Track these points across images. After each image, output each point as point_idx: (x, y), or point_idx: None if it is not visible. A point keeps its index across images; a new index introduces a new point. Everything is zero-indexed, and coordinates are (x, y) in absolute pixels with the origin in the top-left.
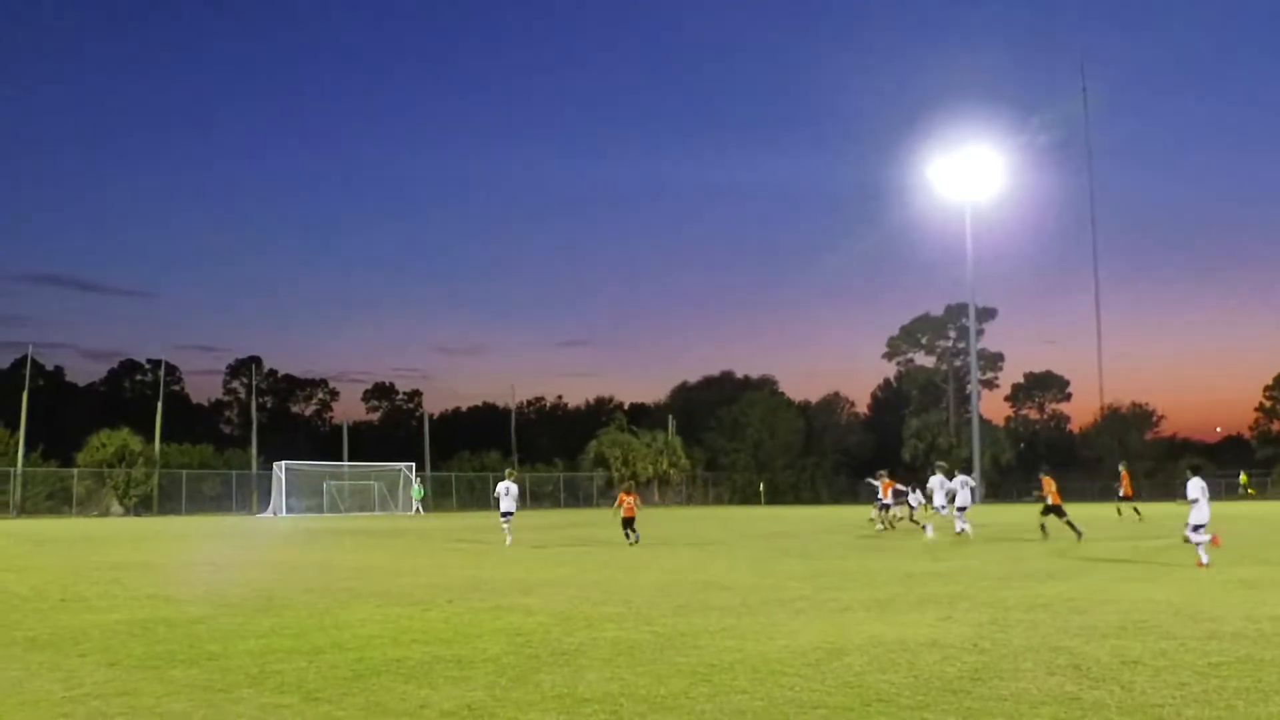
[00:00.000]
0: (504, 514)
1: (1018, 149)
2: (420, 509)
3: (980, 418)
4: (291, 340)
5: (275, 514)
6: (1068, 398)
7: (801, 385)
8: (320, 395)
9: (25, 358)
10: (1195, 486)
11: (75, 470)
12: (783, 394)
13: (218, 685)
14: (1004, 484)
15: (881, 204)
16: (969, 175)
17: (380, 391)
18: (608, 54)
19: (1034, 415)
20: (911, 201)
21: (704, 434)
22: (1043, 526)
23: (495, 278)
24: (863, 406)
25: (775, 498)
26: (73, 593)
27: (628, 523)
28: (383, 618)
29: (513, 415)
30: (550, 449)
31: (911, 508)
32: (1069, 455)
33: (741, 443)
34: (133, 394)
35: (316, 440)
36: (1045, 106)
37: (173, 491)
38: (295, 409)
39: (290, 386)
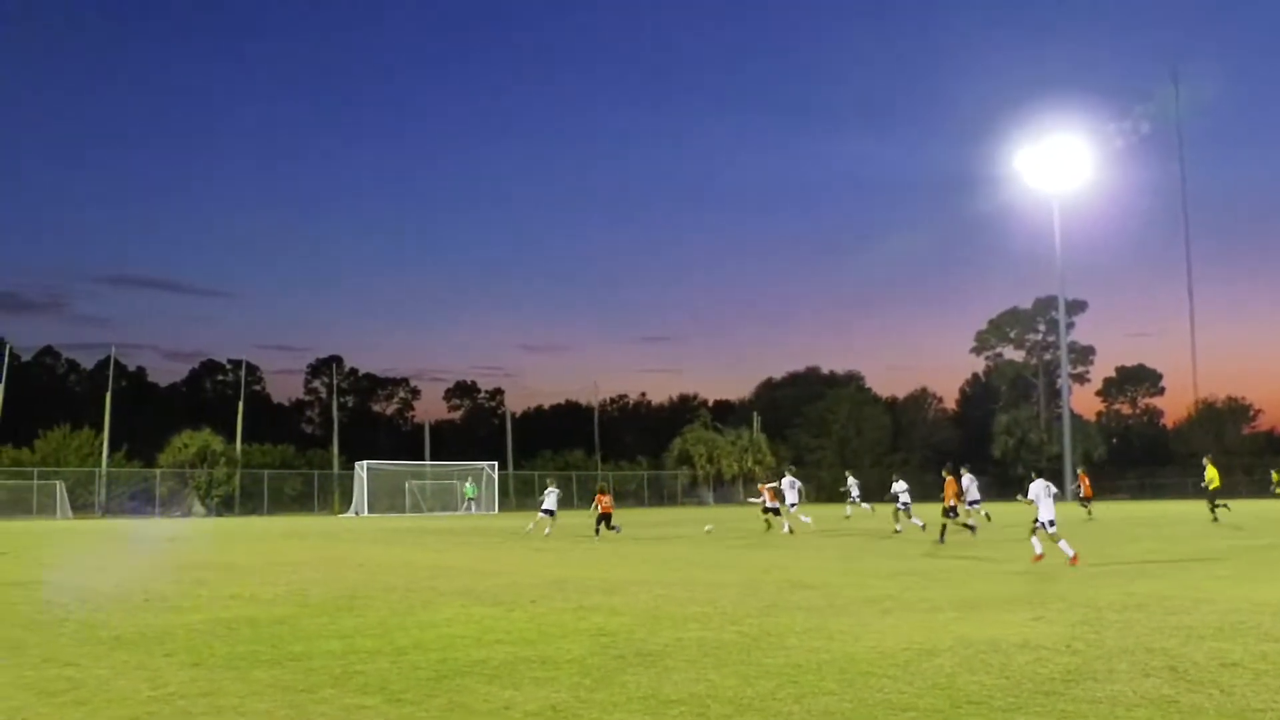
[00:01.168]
0: (545, 511)
1: (1107, 138)
2: (472, 507)
3: (1071, 413)
4: (372, 339)
5: (357, 513)
6: (1161, 392)
7: (888, 381)
8: (401, 394)
9: (108, 359)
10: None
11: (158, 471)
12: (869, 390)
13: (301, 686)
14: (1096, 481)
15: (969, 195)
16: (1058, 165)
17: (462, 390)
18: (690, 42)
19: (1126, 410)
20: (999, 192)
21: (789, 431)
22: (943, 528)
23: (578, 274)
24: (951, 402)
25: (862, 495)
26: (157, 592)
27: (605, 519)
28: (466, 618)
29: (595, 413)
30: (634, 447)
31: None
32: (1162, 451)
33: (827, 440)
34: (214, 394)
35: (398, 439)
36: (1136, 96)
37: (254, 491)
38: (376, 408)
39: (371, 385)
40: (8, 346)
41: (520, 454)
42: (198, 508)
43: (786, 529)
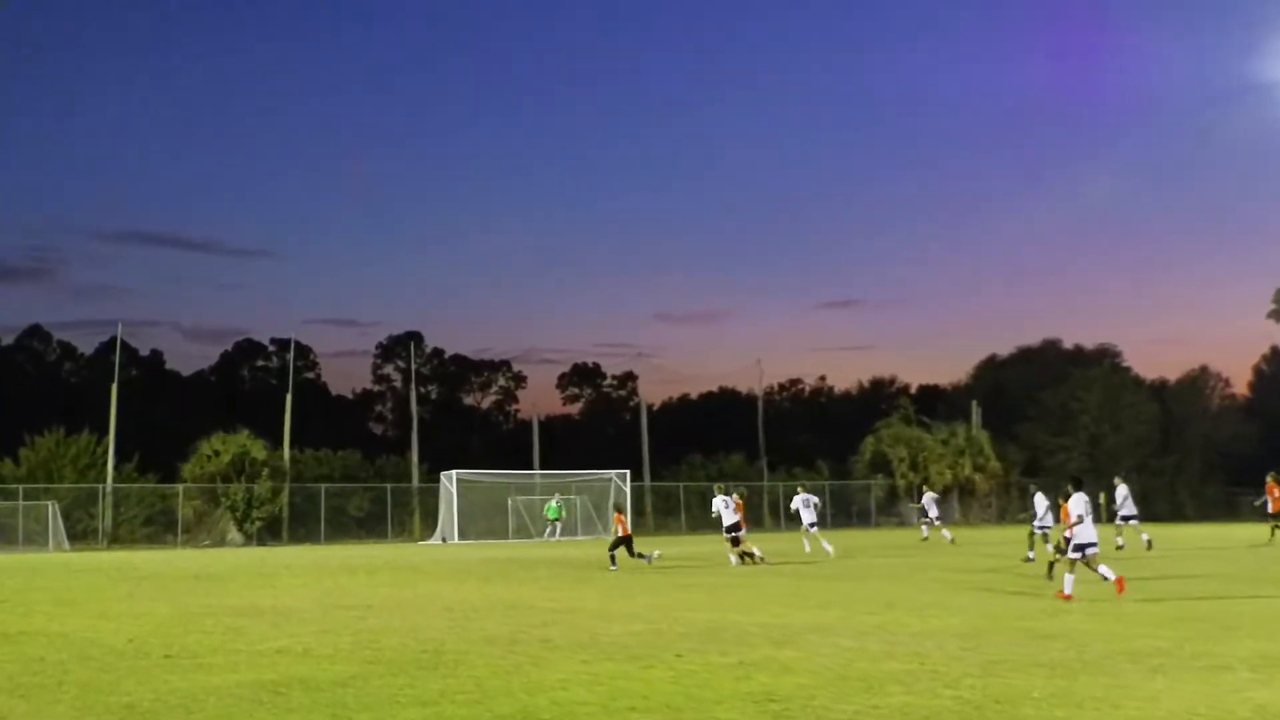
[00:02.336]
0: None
1: None
2: (556, 532)
3: None
4: (461, 310)
5: (445, 539)
6: None
7: (1155, 358)
8: (501, 382)
9: (114, 341)
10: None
11: (180, 487)
12: (1129, 370)
13: None
14: None
15: (1256, 115)
16: None
17: (581, 375)
18: None
19: None
20: None
21: (1020, 426)
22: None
23: (733, 221)
24: (1241, 385)
25: (943, 516)
26: (181, 646)
27: (626, 544)
28: (590, 677)
29: (759, 404)
30: (811, 448)
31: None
32: None
33: (1073, 438)
34: (253, 385)
35: (497, 441)
36: None
37: (308, 512)
38: (468, 400)
39: (461, 371)
40: None
41: (659, 459)
42: (233, 534)
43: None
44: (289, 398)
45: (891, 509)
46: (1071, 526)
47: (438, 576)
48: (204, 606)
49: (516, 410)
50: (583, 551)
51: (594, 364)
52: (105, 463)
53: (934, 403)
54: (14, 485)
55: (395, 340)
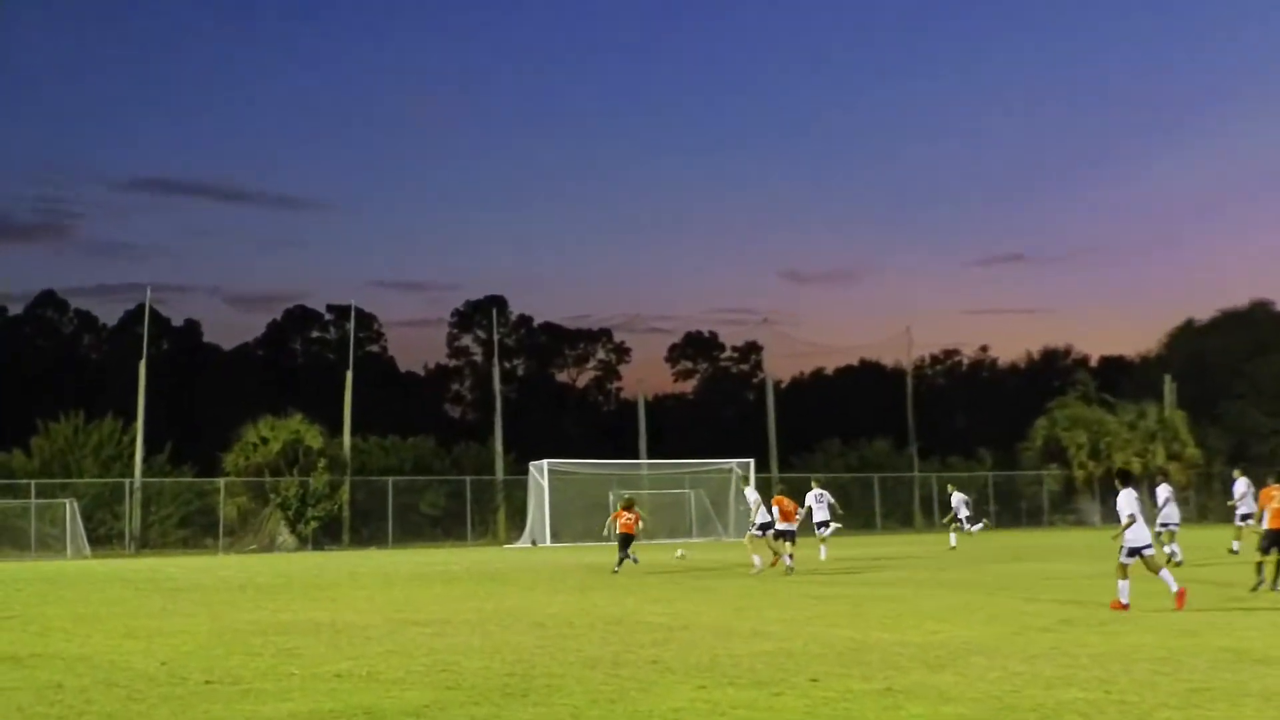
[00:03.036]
0: (767, 529)
1: None
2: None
3: None
4: (552, 271)
5: (534, 542)
6: None
7: None
8: (601, 354)
9: (141, 309)
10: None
11: (221, 481)
12: None
13: None
14: None
15: None
16: None
17: (695, 346)
18: None
19: None
20: None
21: (1225, 405)
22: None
23: (875, 165)
24: None
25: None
26: (223, 671)
27: (625, 541)
28: (708, 706)
29: (908, 379)
30: (971, 433)
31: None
32: None
33: None
34: (306, 359)
35: (596, 425)
36: None
37: (372, 510)
38: (561, 377)
39: (552, 342)
40: None
41: (789, 444)
42: (285, 537)
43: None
44: (349, 375)
45: (1067, 505)
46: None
47: (526, 586)
48: (250, 623)
49: (619, 388)
50: (700, 556)
51: (710, 333)
52: (132, 453)
53: (1118, 377)
54: (25, 481)
55: (474, 306)
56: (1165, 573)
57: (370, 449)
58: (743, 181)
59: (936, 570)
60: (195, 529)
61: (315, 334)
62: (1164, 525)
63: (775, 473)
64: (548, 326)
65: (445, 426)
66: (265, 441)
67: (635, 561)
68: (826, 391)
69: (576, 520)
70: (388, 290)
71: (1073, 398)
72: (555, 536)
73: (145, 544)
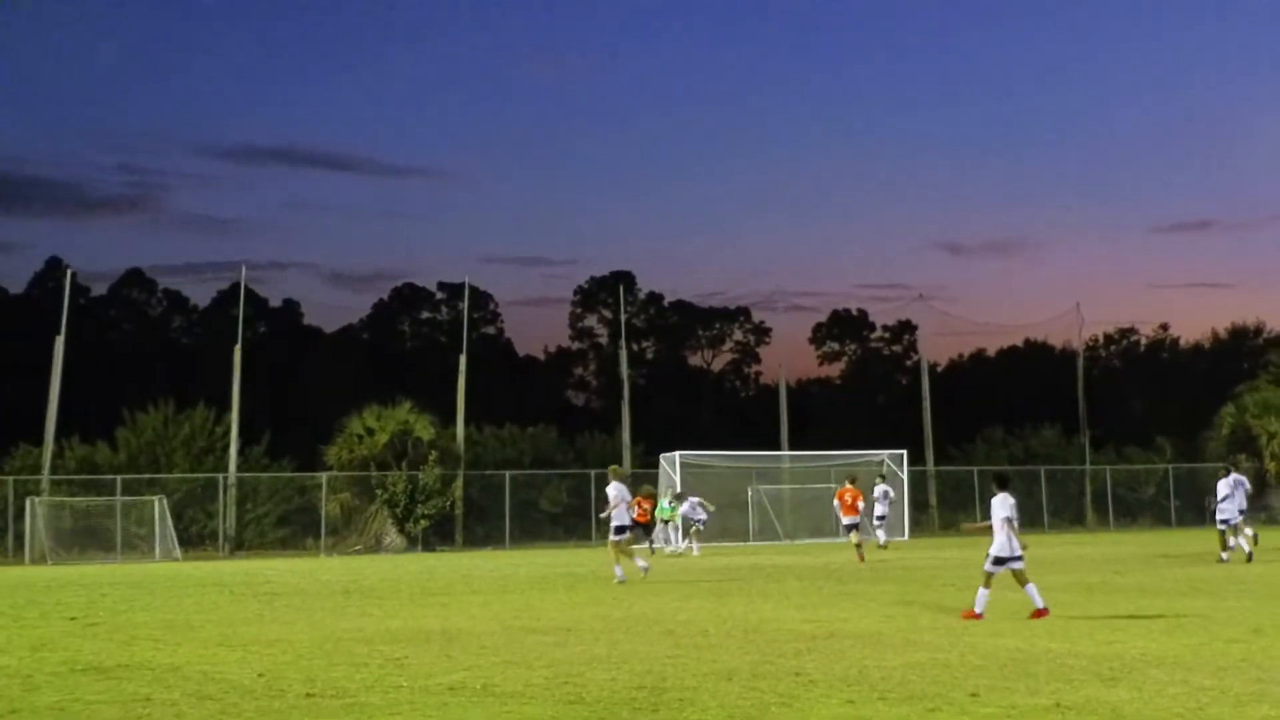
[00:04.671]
0: (624, 532)
1: None
2: (672, 537)
3: None
4: (684, 245)
5: (666, 543)
6: None
7: None
8: (738, 335)
9: (235, 288)
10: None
11: (324, 476)
12: None
13: None
14: None
15: None
16: None
17: (842, 326)
18: None
19: None
20: None
21: None
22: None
23: (1041, 125)
24: None
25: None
26: (326, 682)
27: (645, 530)
28: None
29: (1079, 361)
30: (1148, 420)
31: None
32: None
33: None
34: (416, 343)
35: (733, 413)
36: None
37: (489, 507)
38: (694, 361)
39: (685, 322)
40: (70, 276)
41: (947, 434)
42: (392, 537)
43: None
44: (463, 359)
45: (1260, 500)
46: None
47: (657, 590)
48: (355, 631)
49: (758, 373)
50: (845, 558)
51: (859, 311)
52: (226, 446)
53: None
54: (110, 476)
55: (600, 284)
56: (1031, 588)
57: (486, 440)
58: (894, 144)
59: (1111, 573)
60: (295, 528)
61: (425, 315)
62: (1224, 521)
63: (931, 465)
64: (679, 305)
65: (568, 415)
66: (371, 432)
67: (652, 552)
68: (988, 375)
69: (712, 517)
70: (504, 266)
71: (1264, 381)
72: (688, 535)
73: (240, 545)
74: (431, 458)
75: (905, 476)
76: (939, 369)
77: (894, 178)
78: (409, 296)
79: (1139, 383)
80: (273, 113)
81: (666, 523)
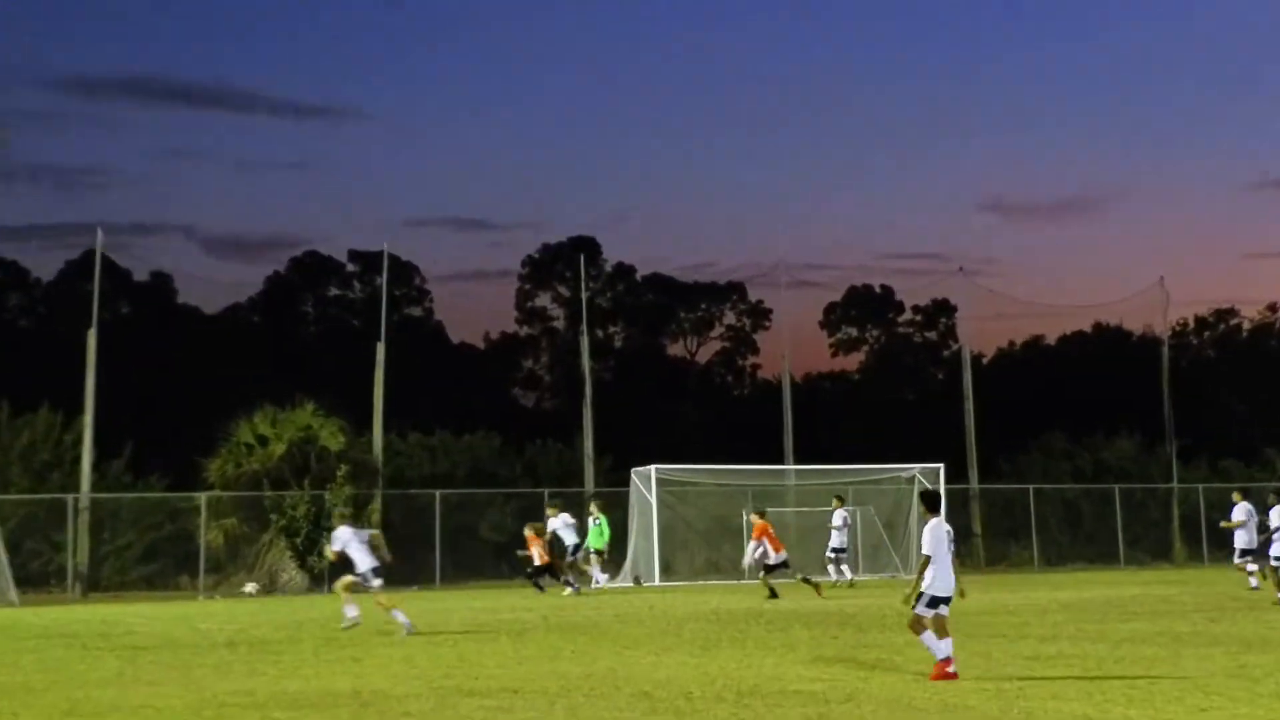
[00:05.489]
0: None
1: None
2: (596, 573)
3: None
4: (661, 204)
5: (638, 579)
6: None
7: None
8: (730, 318)
9: (89, 257)
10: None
11: (203, 496)
12: None
13: None
14: None
15: None
16: None
17: (861, 305)
18: None
19: None
20: None
21: None
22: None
23: (1109, 57)
24: None
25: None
26: None
27: (538, 572)
28: None
29: (1163, 351)
30: (1254, 425)
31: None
32: None
33: None
34: (321, 327)
35: (722, 415)
36: None
37: (413, 536)
38: (674, 350)
39: (663, 302)
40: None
41: (995, 443)
42: (291, 574)
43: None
44: (381, 348)
45: None
46: None
47: (627, 641)
48: (242, 694)
49: (755, 365)
50: (867, 598)
51: (882, 287)
52: (77, 458)
53: None
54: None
55: (555, 253)
56: (928, 636)
57: (410, 450)
58: (926, 80)
59: (1205, 620)
60: (165, 562)
61: (333, 291)
62: (1244, 553)
63: (975, 482)
64: (656, 280)
65: (514, 419)
66: (264, 442)
67: (540, 590)
68: (1047, 368)
69: (697, 548)
70: (433, 231)
71: None
72: (667, 570)
73: (96, 584)
74: (341, 473)
75: (943, 490)
76: (984, 360)
77: (927, 121)
78: (312, 268)
79: (1239, 378)
80: (134, 34)
81: (600, 553)
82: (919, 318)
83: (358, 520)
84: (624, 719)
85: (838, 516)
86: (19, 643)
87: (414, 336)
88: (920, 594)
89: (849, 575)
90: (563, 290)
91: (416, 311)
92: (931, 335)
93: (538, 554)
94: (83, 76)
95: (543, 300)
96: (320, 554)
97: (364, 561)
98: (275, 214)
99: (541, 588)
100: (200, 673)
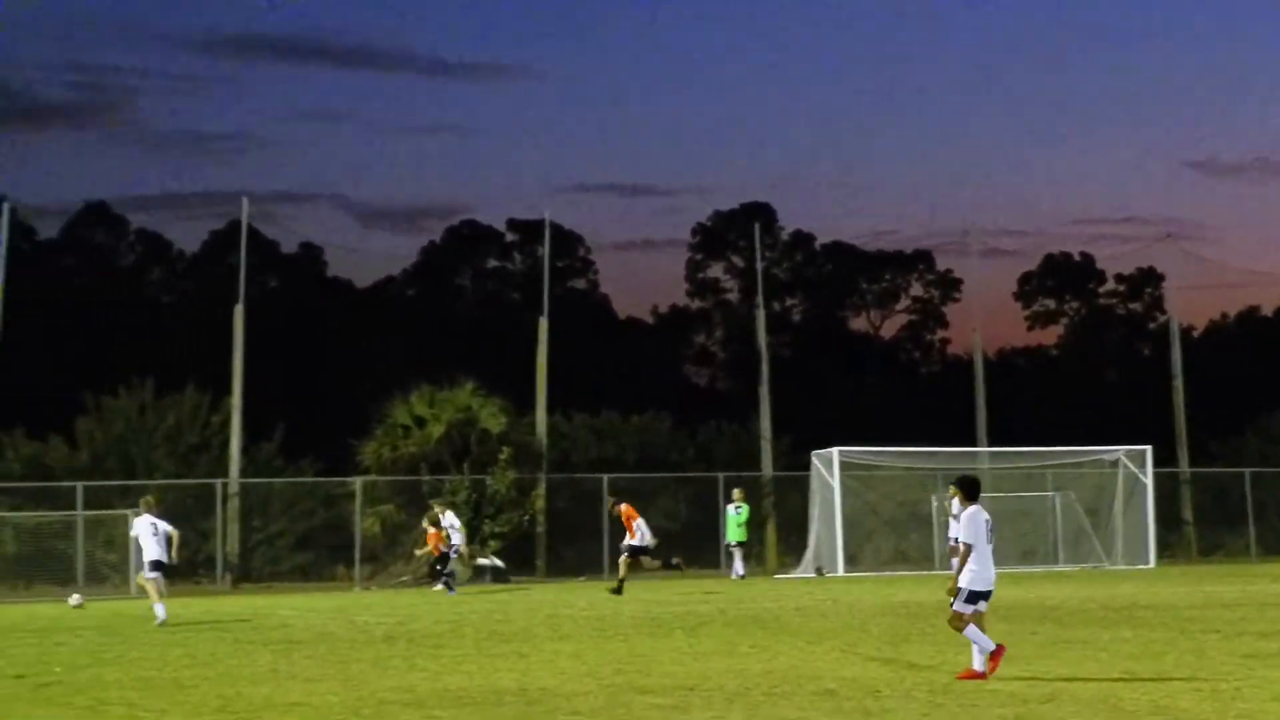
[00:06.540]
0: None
1: None
2: (737, 565)
3: None
4: (839, 168)
5: (821, 570)
6: None
7: None
8: (916, 289)
9: (235, 229)
10: None
11: (358, 481)
12: None
13: None
14: None
15: None
16: None
17: (1059, 275)
18: None
19: None
20: None
21: None
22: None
23: None
24: None
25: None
26: None
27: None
28: None
29: None
30: None
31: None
32: None
33: None
34: (480, 301)
35: (909, 395)
36: None
37: (579, 523)
38: (856, 324)
39: (844, 272)
40: (7, 211)
41: (1209, 425)
42: (452, 563)
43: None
44: (543, 323)
45: None
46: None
47: (810, 636)
48: (402, 691)
49: (944, 340)
50: (1068, 589)
51: (1082, 255)
52: (226, 441)
53: None
54: (69, 484)
55: (728, 221)
56: (972, 631)
57: (576, 433)
58: (1127, 26)
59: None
60: (319, 552)
61: (492, 263)
62: None
63: (1185, 466)
64: (836, 249)
65: (687, 399)
66: (421, 423)
67: (451, 592)
68: (1264, 342)
69: (882, 537)
70: (598, 198)
71: None
72: (852, 561)
73: (246, 574)
74: (503, 457)
75: (1150, 481)
76: (1195, 334)
77: (1128, 76)
78: (470, 239)
79: None
80: None
81: (741, 545)
82: (1122, 287)
83: (157, 511)
84: (807, 718)
85: (956, 504)
86: (167, 635)
87: (578, 310)
88: (958, 589)
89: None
90: (736, 260)
91: (580, 284)
92: (1136, 307)
93: (434, 547)
94: (218, 37)
95: (715, 271)
96: (482, 543)
97: (151, 551)
98: (430, 181)
99: (451, 586)
100: (357, 668)
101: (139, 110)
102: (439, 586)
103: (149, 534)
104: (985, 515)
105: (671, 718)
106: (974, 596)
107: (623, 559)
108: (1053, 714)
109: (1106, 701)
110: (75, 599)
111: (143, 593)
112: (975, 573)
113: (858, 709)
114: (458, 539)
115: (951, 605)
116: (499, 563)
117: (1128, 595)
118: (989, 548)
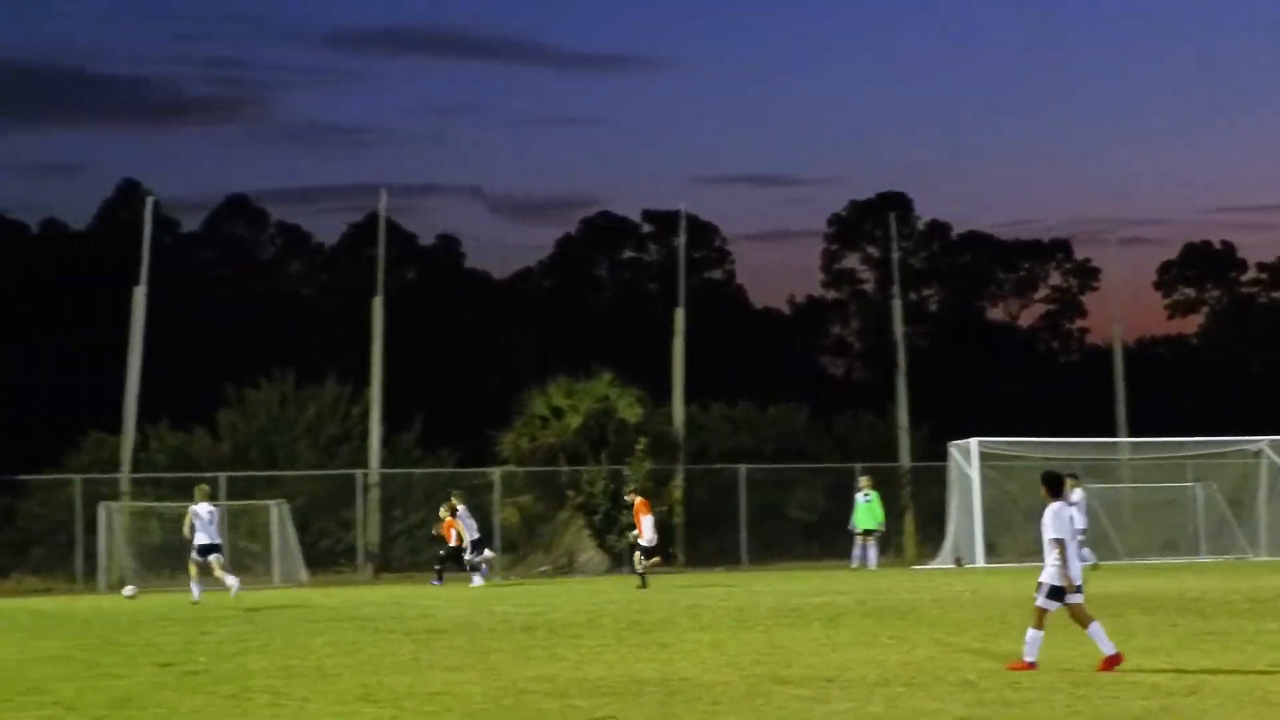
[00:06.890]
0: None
1: None
2: (868, 553)
3: None
4: (976, 157)
5: (960, 561)
6: None
7: None
8: (1055, 279)
9: (373, 221)
10: None
11: (496, 472)
12: None
13: None
14: None
15: None
16: None
17: (1199, 263)
18: None
19: None
20: None
21: None
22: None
23: None
24: None
25: None
26: None
27: (452, 556)
28: None
29: None
30: None
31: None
32: None
33: None
34: (615, 292)
35: (1048, 384)
36: None
37: (718, 514)
38: (994, 314)
39: (982, 262)
40: (150, 204)
41: None
42: (589, 554)
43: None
44: (680, 314)
45: None
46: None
47: (950, 627)
48: (543, 681)
49: (1083, 330)
50: (1210, 581)
51: (1223, 244)
52: (366, 433)
53: None
54: (211, 474)
55: (864, 210)
56: (1096, 627)
57: (713, 423)
58: (1271, 16)
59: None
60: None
61: (627, 254)
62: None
63: None
64: (973, 238)
65: (823, 389)
66: (559, 414)
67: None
68: None
69: (1022, 528)
70: (733, 189)
71: None
72: (993, 551)
73: (387, 564)
74: (640, 447)
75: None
76: None
77: (1273, 59)
78: (605, 230)
79: None
80: None
81: (872, 533)
82: (1264, 276)
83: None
84: (947, 710)
85: (1077, 494)
86: (310, 625)
87: (714, 301)
88: (1039, 584)
89: (1092, 559)
90: (872, 250)
91: (716, 274)
92: (1278, 295)
93: (453, 536)
94: (352, 32)
95: (851, 261)
96: (620, 533)
97: (202, 537)
98: (564, 172)
99: (442, 579)
100: (497, 658)
101: (277, 104)
102: (478, 578)
103: (206, 521)
104: (1070, 511)
105: (811, 709)
106: (1055, 592)
107: (636, 555)
108: (1196, 707)
109: (1252, 694)
110: (129, 590)
111: (290, 581)
112: (1058, 568)
113: (998, 700)
114: (469, 530)
115: (1034, 601)
116: (489, 554)
117: (1273, 587)
118: (1073, 544)
